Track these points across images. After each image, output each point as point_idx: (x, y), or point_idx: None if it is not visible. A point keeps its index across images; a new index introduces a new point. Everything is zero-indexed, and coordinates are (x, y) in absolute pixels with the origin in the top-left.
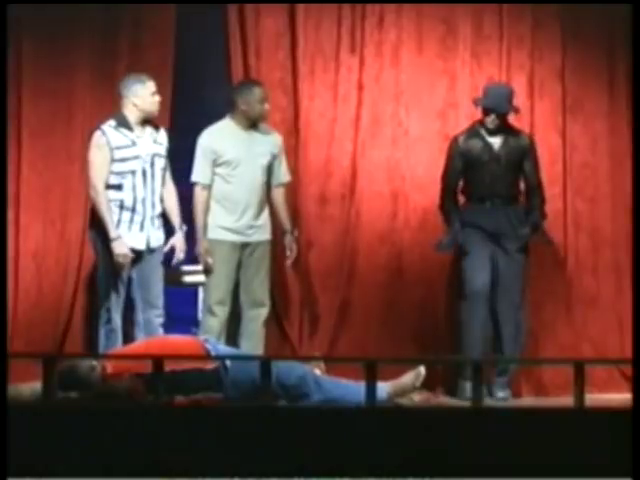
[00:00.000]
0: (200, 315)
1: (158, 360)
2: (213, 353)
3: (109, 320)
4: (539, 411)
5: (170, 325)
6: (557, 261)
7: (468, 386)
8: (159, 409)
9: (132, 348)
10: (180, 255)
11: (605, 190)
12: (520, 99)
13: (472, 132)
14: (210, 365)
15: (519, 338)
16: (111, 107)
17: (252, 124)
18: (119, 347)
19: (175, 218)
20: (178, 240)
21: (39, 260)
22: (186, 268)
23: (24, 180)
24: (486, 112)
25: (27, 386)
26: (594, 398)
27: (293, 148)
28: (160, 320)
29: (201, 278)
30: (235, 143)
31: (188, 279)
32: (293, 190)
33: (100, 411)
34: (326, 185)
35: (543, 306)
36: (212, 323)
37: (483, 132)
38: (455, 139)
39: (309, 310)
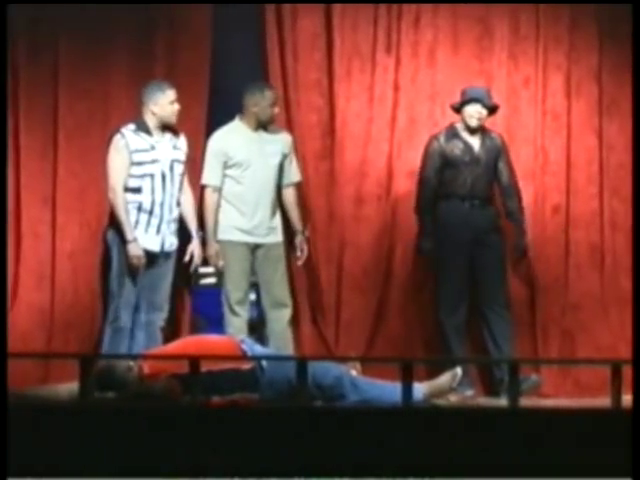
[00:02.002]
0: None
1: (195, 360)
2: (249, 353)
3: (116, 319)
4: (576, 412)
5: (206, 326)
6: (594, 262)
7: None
8: (196, 409)
9: (169, 348)
10: (197, 261)
11: None
12: (557, 99)
13: (452, 132)
14: (246, 365)
15: (511, 336)
16: None
17: (261, 125)
18: (126, 347)
19: (192, 224)
20: (195, 246)
21: (75, 260)
22: (202, 270)
23: (60, 181)
24: (468, 104)
25: (64, 387)
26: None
27: (329, 149)
28: (162, 324)
29: (214, 280)
30: (245, 144)
31: (203, 281)
32: (329, 191)
33: (137, 411)
34: (362, 186)
35: (580, 307)
36: (237, 324)
37: (464, 133)
38: (436, 138)
39: (345, 310)
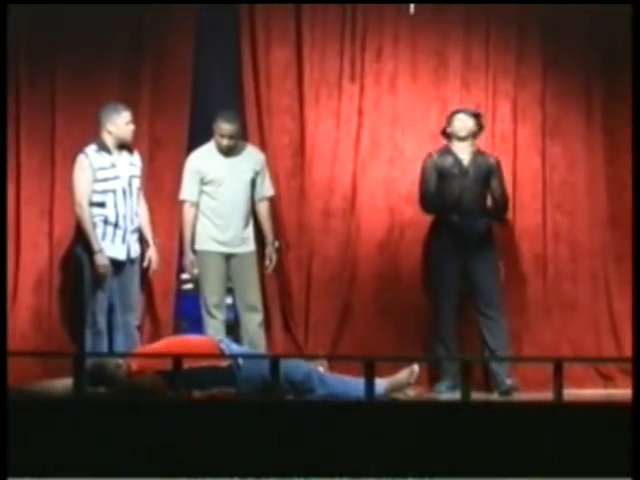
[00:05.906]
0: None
1: (177, 358)
2: (227, 352)
3: (94, 323)
4: (522, 405)
5: (188, 327)
6: (537, 270)
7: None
8: (179, 403)
9: (154, 347)
10: (154, 266)
11: (583, 205)
12: (505, 123)
13: (445, 149)
14: (224, 363)
15: (504, 337)
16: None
17: (222, 152)
18: (105, 348)
19: (148, 232)
20: (153, 253)
21: (70, 268)
22: (183, 276)
23: (57, 195)
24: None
25: (59, 382)
26: (572, 393)
27: (300, 167)
28: (136, 322)
29: (191, 285)
30: (219, 163)
31: (184, 286)
32: (299, 205)
33: (126, 405)
34: (329, 201)
35: (525, 310)
36: (215, 325)
37: (455, 149)
38: (430, 155)
39: (314, 313)
